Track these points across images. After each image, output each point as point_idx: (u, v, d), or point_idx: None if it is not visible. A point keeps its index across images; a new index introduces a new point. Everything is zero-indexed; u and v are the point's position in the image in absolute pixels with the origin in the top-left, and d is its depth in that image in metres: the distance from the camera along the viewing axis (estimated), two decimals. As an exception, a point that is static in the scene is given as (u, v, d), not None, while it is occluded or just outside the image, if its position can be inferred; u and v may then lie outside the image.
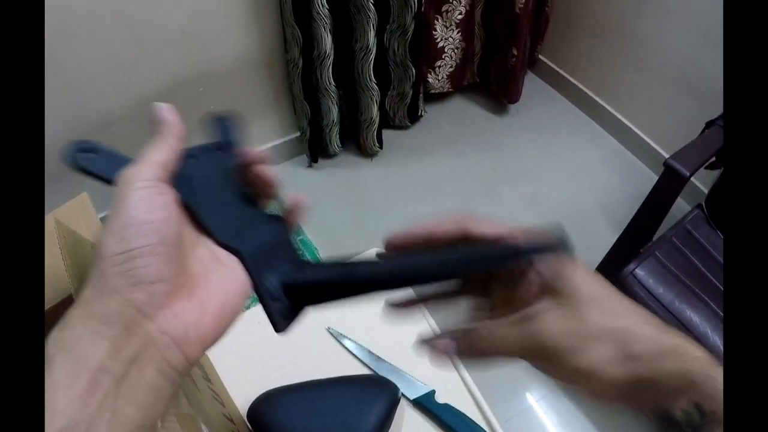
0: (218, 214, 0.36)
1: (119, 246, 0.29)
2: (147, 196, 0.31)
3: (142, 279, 0.29)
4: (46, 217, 0.57)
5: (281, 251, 0.38)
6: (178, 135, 0.36)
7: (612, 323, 0.33)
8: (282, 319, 0.35)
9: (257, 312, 0.83)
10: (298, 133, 2.17)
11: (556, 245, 0.34)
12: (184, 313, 0.30)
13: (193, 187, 0.36)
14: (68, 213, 0.62)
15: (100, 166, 0.35)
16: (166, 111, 0.37)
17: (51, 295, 0.52)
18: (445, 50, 2.22)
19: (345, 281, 0.35)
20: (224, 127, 0.41)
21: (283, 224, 0.40)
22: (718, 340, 1.16)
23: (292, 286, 0.35)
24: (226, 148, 0.40)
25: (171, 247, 0.31)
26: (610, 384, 0.32)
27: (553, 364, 0.33)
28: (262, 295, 0.35)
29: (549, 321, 0.33)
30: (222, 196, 0.38)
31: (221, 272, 0.34)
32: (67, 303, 0.51)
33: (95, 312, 0.28)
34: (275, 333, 0.35)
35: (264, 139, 2.14)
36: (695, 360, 0.31)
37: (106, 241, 0.29)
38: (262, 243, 0.37)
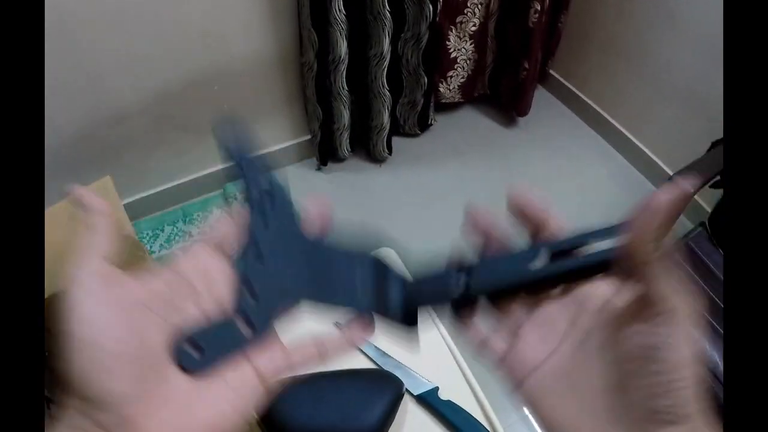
0: (323, 286, 0.35)
1: (71, 367, 0.27)
2: (91, 308, 0.28)
3: (100, 400, 0.27)
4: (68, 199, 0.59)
5: (387, 276, 0.37)
6: (108, 217, 0.32)
7: None
8: (414, 330, 0.36)
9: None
10: (309, 136, 2.19)
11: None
12: None
13: (288, 275, 0.35)
14: (92, 196, 0.64)
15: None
16: (87, 197, 0.32)
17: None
18: (458, 61, 2.24)
19: (447, 295, 0.35)
20: (242, 153, 0.37)
21: (366, 254, 0.38)
22: (716, 356, 1.17)
23: (411, 309, 0.36)
24: (277, 195, 0.36)
25: (131, 364, 0.28)
26: None
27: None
28: (396, 324, 0.36)
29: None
30: (312, 265, 0.36)
31: (214, 389, 0.31)
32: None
33: (65, 425, 0.27)
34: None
35: (275, 140, 2.17)
36: None
37: (62, 361, 0.27)
38: (369, 282, 0.36)
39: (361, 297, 0.36)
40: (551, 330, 0.34)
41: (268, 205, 0.35)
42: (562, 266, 0.32)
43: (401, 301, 0.36)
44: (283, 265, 0.35)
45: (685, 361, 0.27)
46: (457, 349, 0.80)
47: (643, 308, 0.29)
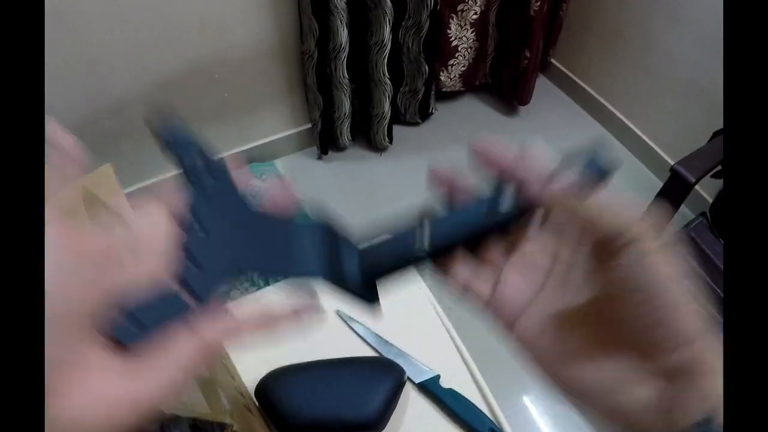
0: (270, 257, 0.34)
1: None
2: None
3: None
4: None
5: (338, 244, 0.36)
6: (71, 157, 0.28)
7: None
8: (375, 301, 0.35)
9: (266, 293, 0.85)
10: (310, 125, 2.18)
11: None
12: None
13: (231, 244, 0.33)
14: (91, 182, 0.64)
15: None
16: (61, 136, 0.28)
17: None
18: (459, 49, 2.23)
19: (409, 256, 0.35)
20: (183, 141, 0.34)
21: (317, 222, 0.36)
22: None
23: (369, 277, 0.35)
24: (213, 169, 0.34)
25: (59, 325, 0.24)
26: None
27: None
28: (354, 295, 0.34)
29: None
30: (259, 236, 0.34)
31: (151, 357, 0.28)
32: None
33: None
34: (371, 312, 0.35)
35: (275, 129, 2.16)
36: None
37: None
38: (321, 252, 0.35)
39: (314, 265, 0.34)
40: (533, 268, 0.33)
41: (207, 181, 0.34)
42: (525, 204, 0.32)
43: (358, 271, 0.35)
44: (227, 236, 0.33)
45: (668, 285, 0.26)
46: (459, 337, 0.80)
47: (608, 245, 0.28)
